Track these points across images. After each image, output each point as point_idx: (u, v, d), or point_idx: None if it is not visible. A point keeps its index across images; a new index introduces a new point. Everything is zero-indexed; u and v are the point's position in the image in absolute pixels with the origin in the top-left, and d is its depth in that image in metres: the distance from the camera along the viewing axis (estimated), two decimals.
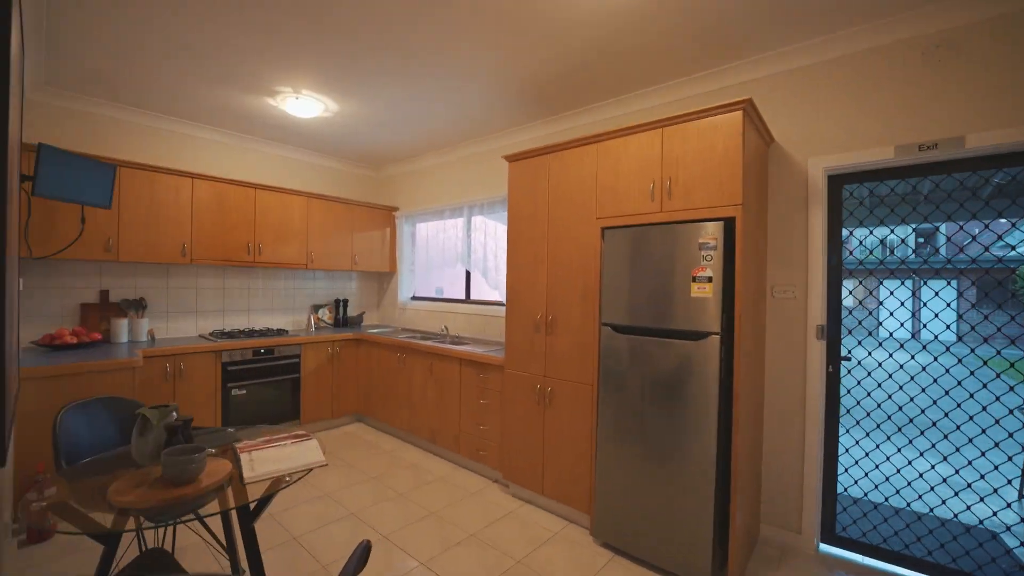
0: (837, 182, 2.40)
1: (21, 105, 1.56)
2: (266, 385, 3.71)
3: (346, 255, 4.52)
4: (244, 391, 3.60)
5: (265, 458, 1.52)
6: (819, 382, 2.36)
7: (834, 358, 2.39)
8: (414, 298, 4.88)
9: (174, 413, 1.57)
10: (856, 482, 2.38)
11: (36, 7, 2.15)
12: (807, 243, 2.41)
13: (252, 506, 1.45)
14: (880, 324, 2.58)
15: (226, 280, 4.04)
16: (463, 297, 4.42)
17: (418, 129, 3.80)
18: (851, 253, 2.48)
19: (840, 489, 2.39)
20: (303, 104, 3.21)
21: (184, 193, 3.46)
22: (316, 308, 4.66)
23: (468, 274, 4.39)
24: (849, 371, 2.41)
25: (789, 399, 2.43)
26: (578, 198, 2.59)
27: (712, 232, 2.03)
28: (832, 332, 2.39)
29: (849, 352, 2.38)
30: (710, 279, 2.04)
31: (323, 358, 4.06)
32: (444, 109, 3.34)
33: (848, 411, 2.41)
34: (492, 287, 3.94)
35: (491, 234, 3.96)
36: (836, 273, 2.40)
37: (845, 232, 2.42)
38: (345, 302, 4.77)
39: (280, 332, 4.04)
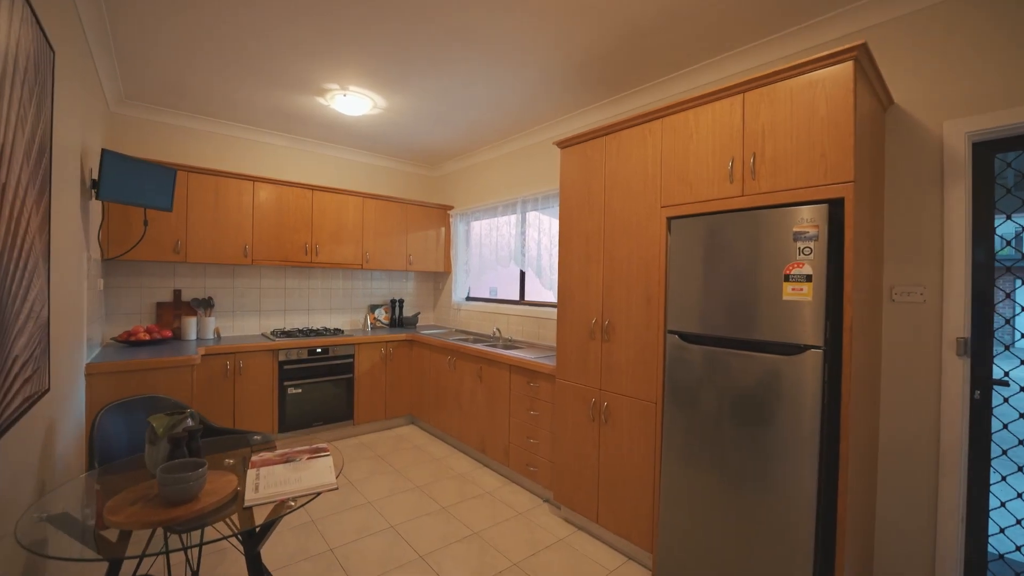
0: (987, 151, 1.84)
1: (51, 107, 1.55)
2: (321, 384, 3.73)
3: (401, 255, 4.48)
4: (300, 390, 3.64)
5: (273, 477, 1.38)
6: (960, 412, 1.81)
7: (982, 381, 1.83)
8: (469, 298, 4.73)
9: (189, 420, 1.48)
10: (1019, 548, 1.79)
11: (98, 22, 2.23)
12: (942, 231, 1.86)
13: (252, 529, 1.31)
14: None
15: (287, 280, 4.14)
16: (517, 298, 4.18)
17: (466, 120, 3.62)
18: (1009, 244, 1.89)
19: (993, 553, 1.82)
20: (351, 101, 3.15)
21: (246, 196, 3.57)
22: (373, 308, 4.67)
23: (522, 274, 4.15)
24: (1006, 399, 1.83)
25: (916, 432, 1.90)
26: (639, 185, 2.24)
27: (811, 218, 1.60)
28: (979, 347, 1.83)
29: (1006, 374, 1.80)
30: (808, 278, 1.61)
31: (376, 358, 4.03)
32: (491, 96, 3.12)
33: (1005, 452, 1.83)
34: (547, 287, 3.66)
35: (545, 231, 3.68)
36: (986, 270, 1.83)
37: (999, 217, 1.85)
38: (401, 302, 4.74)
39: (336, 332, 4.06)
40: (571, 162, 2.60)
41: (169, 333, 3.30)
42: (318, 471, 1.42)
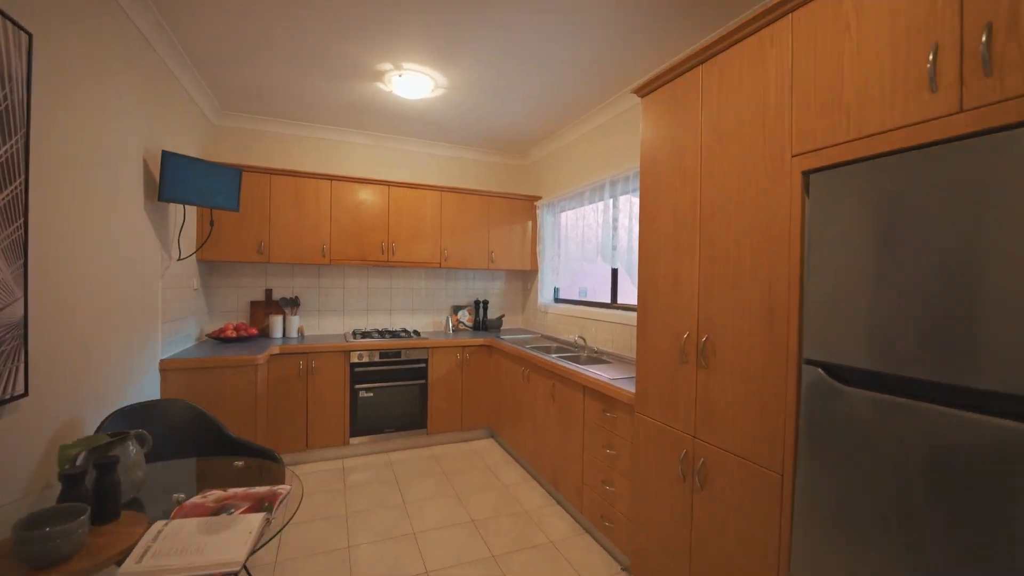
0: None
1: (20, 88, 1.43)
2: (392, 389, 3.54)
3: (482, 252, 4.11)
4: (371, 393, 3.49)
5: (175, 538, 1.03)
6: None
7: None
8: (558, 300, 4.16)
9: (131, 446, 1.23)
10: None
11: (169, 44, 2.25)
12: None
13: None
14: None
15: (369, 280, 4.08)
16: (608, 300, 3.49)
17: (538, 90, 3.04)
18: None
19: None
20: (409, 81, 2.84)
21: (323, 195, 3.54)
22: (456, 309, 4.40)
23: (615, 272, 3.44)
24: None
25: None
26: (753, 128, 1.45)
27: None
28: None
29: None
30: None
31: (452, 364, 3.71)
32: (558, 54, 2.52)
33: None
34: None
35: (637, 217, 2.93)
36: None
37: None
38: (485, 303, 4.38)
39: (414, 334, 3.86)
40: (655, 114, 1.89)
41: (255, 331, 3.40)
42: (232, 538, 1.03)
